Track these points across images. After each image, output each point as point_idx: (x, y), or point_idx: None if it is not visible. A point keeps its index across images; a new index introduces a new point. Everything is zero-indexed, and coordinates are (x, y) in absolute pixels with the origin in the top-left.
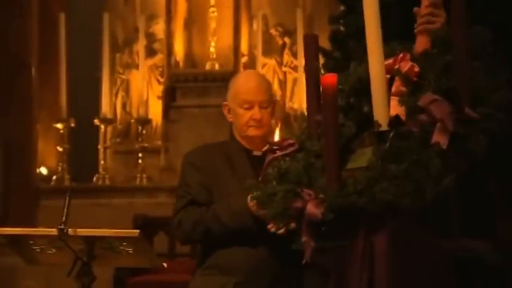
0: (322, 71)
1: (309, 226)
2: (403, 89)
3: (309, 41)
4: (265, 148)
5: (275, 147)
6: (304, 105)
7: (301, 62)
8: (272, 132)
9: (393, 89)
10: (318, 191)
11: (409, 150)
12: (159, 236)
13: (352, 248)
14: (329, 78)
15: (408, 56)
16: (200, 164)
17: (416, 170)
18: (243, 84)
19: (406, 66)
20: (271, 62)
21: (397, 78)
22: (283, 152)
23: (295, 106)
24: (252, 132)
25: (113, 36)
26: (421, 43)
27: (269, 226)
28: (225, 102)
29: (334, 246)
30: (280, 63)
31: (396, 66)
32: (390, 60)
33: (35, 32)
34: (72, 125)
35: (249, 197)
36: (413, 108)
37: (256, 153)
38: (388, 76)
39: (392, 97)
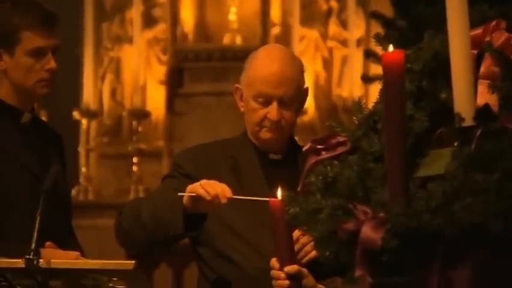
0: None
1: (365, 256)
2: (496, 69)
3: None
4: (306, 147)
5: (319, 147)
6: (357, 92)
7: (352, 33)
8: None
9: (482, 69)
10: (377, 207)
11: (503, 154)
12: (161, 269)
13: (423, 285)
14: (393, 55)
15: (504, 24)
16: (192, 171)
17: None
18: (262, 67)
19: (500, 38)
20: (313, 33)
21: (487, 54)
22: (331, 154)
23: (344, 94)
24: (266, 134)
25: None
26: None
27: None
28: (237, 85)
29: (399, 283)
30: (324, 36)
31: (487, 39)
32: (478, 30)
33: None
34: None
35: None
36: (509, 97)
37: (275, 156)
38: (475, 52)
39: (480, 80)
